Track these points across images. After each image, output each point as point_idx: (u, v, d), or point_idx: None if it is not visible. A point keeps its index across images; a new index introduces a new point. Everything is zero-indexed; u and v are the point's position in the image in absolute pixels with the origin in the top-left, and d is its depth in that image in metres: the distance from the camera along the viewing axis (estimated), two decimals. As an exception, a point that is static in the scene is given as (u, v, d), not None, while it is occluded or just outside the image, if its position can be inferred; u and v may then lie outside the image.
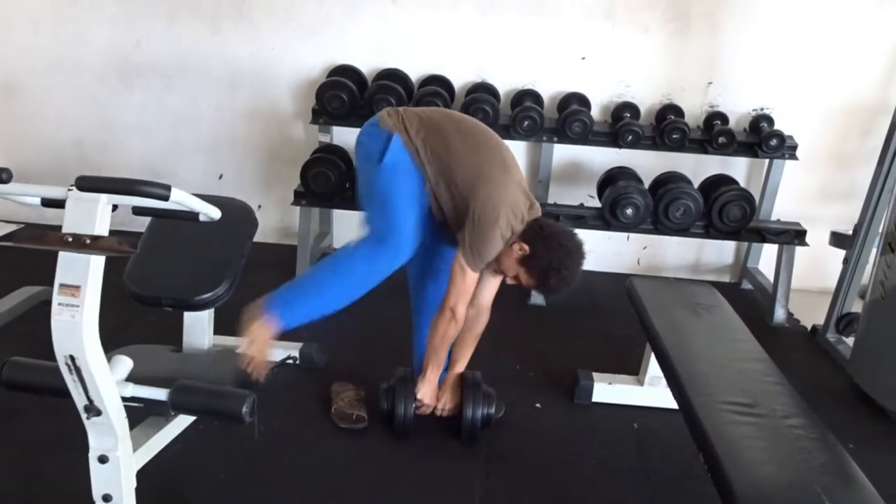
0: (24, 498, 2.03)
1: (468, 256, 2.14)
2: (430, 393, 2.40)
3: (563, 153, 3.83)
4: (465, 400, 2.36)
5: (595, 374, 2.75)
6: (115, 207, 1.55)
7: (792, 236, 3.52)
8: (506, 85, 3.80)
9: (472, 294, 2.25)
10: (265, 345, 2.13)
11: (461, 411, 2.36)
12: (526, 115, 3.53)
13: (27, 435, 2.30)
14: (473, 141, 2.24)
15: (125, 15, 3.78)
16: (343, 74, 3.68)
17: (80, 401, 1.60)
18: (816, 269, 3.86)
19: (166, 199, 1.46)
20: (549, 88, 3.81)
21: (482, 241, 2.13)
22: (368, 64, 3.78)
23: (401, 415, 2.34)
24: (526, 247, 2.14)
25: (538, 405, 2.71)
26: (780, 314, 3.56)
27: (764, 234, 3.53)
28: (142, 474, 1.76)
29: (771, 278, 3.68)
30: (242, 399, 1.75)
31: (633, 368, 2.78)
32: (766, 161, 3.76)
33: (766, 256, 3.90)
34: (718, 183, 3.59)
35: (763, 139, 3.58)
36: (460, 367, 2.46)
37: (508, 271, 2.22)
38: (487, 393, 2.41)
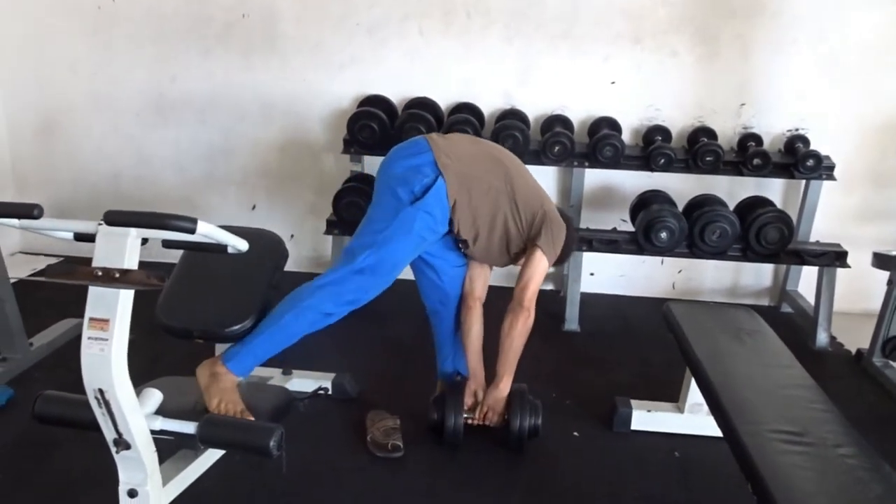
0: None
1: (551, 253, 2.32)
2: (502, 402, 2.44)
3: (594, 178, 3.81)
4: (511, 410, 2.40)
5: (633, 402, 2.69)
6: (145, 241, 1.57)
7: (832, 258, 3.43)
8: (535, 111, 3.81)
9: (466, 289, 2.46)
10: (233, 394, 2.04)
11: (507, 421, 2.41)
12: (556, 141, 3.52)
13: (62, 468, 2.31)
14: (512, 166, 2.38)
15: (161, 52, 3.88)
16: (373, 104, 3.72)
17: (109, 434, 1.61)
18: (858, 291, 3.76)
19: (193, 231, 1.48)
20: (579, 113, 3.80)
21: (559, 237, 2.34)
22: (398, 93, 3.81)
23: (451, 426, 2.38)
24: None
25: (576, 433, 2.66)
26: (822, 338, 3.46)
27: (803, 257, 3.45)
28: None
29: (812, 301, 3.59)
30: (270, 433, 1.74)
31: (671, 395, 2.71)
32: (803, 182, 3.69)
33: (806, 279, 3.81)
34: (755, 205, 3.53)
35: (799, 160, 3.52)
36: (481, 377, 2.56)
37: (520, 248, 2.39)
38: (534, 404, 2.45)
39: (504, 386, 2.42)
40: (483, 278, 2.52)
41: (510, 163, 2.38)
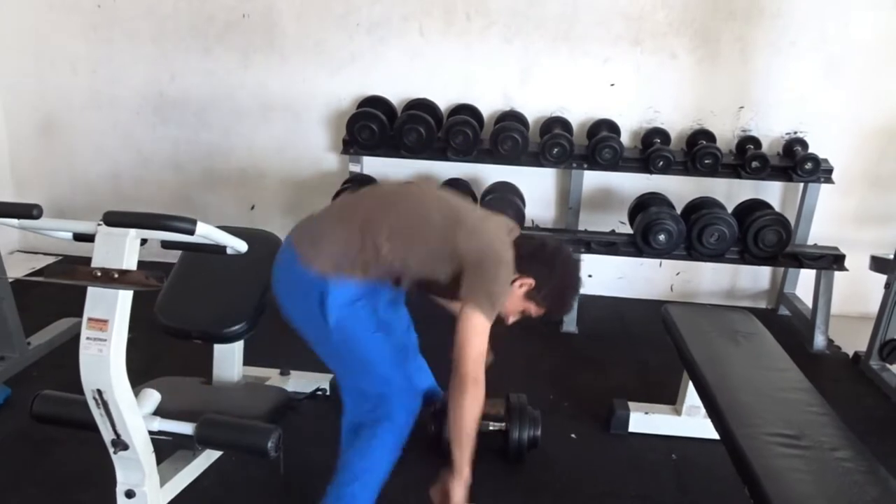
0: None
1: (483, 307, 1.76)
2: (465, 495, 1.83)
3: (593, 180, 3.81)
4: (511, 422, 2.37)
5: (631, 404, 2.70)
6: (144, 242, 1.57)
7: (830, 261, 3.44)
8: (534, 112, 3.81)
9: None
10: None
11: (507, 433, 2.37)
12: (555, 143, 3.52)
13: (61, 467, 2.32)
14: (409, 204, 1.94)
15: (161, 51, 3.88)
16: (373, 105, 3.72)
17: (107, 435, 1.61)
18: (856, 294, 3.76)
19: (192, 233, 1.48)
20: (579, 115, 3.81)
21: (492, 282, 1.79)
22: (398, 94, 3.81)
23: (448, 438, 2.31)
24: (530, 280, 1.88)
25: (573, 435, 2.66)
26: (819, 341, 3.47)
27: (801, 260, 3.46)
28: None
29: (809, 304, 3.60)
30: (268, 434, 1.74)
31: (669, 398, 2.72)
32: (801, 185, 3.69)
33: (804, 282, 3.82)
34: (753, 208, 3.53)
35: (798, 163, 3.52)
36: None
37: (513, 312, 1.95)
38: (532, 415, 2.42)
39: (465, 477, 1.81)
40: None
41: (392, 215, 1.90)
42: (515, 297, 1.91)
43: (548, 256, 1.92)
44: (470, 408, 1.76)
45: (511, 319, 1.98)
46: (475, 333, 1.76)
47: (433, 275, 1.87)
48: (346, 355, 1.93)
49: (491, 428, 2.38)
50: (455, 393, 1.77)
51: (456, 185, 3.64)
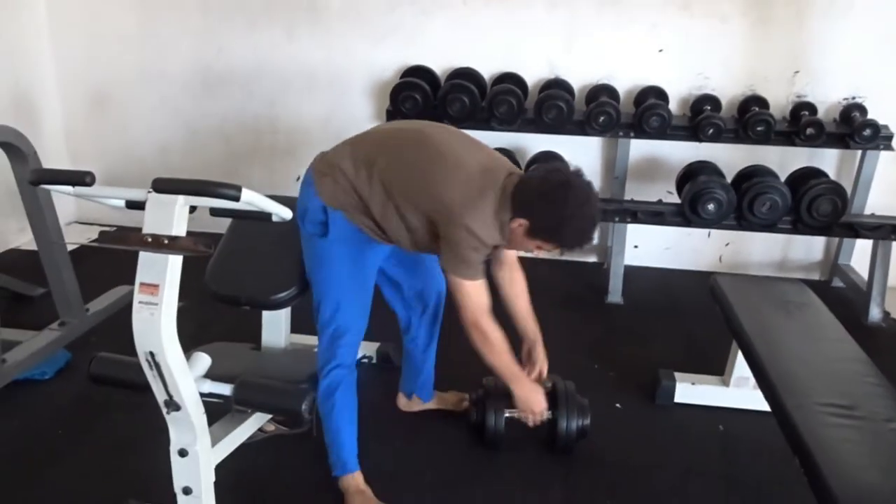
0: (112, 489, 2.11)
1: (461, 271, 1.89)
2: (538, 396, 2.17)
3: (640, 148, 3.74)
4: (559, 411, 2.25)
5: (677, 375, 2.67)
6: (193, 209, 1.60)
7: (888, 231, 3.32)
8: (580, 80, 3.74)
9: (486, 302, 1.98)
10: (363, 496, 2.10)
11: (554, 421, 2.26)
12: (601, 111, 3.46)
13: (119, 427, 2.42)
14: (396, 153, 1.97)
15: (207, 25, 3.92)
16: (416, 75, 3.70)
17: (160, 396, 1.65)
18: (915, 265, 3.64)
19: (237, 199, 1.50)
20: (625, 83, 3.73)
21: (456, 246, 1.87)
22: (441, 64, 3.79)
23: (492, 425, 2.29)
24: (524, 221, 1.85)
25: (618, 405, 2.65)
26: (875, 313, 3.36)
27: (857, 230, 3.35)
28: (220, 468, 1.81)
29: (865, 276, 3.49)
30: (302, 396, 1.77)
31: (716, 369, 2.68)
32: (859, 152, 3.56)
33: (859, 253, 3.69)
34: (807, 176, 3.42)
35: (855, 129, 3.39)
36: (532, 335, 2.24)
37: (523, 249, 1.99)
38: (581, 404, 2.30)
39: (524, 382, 2.15)
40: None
41: (400, 164, 1.95)
42: (517, 237, 1.91)
43: (546, 190, 1.84)
44: (484, 347, 2.01)
45: (533, 253, 2.01)
46: (464, 295, 1.94)
47: (409, 224, 1.93)
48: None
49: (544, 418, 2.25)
50: (471, 341, 2.01)
51: (500, 155, 3.61)
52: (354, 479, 2.11)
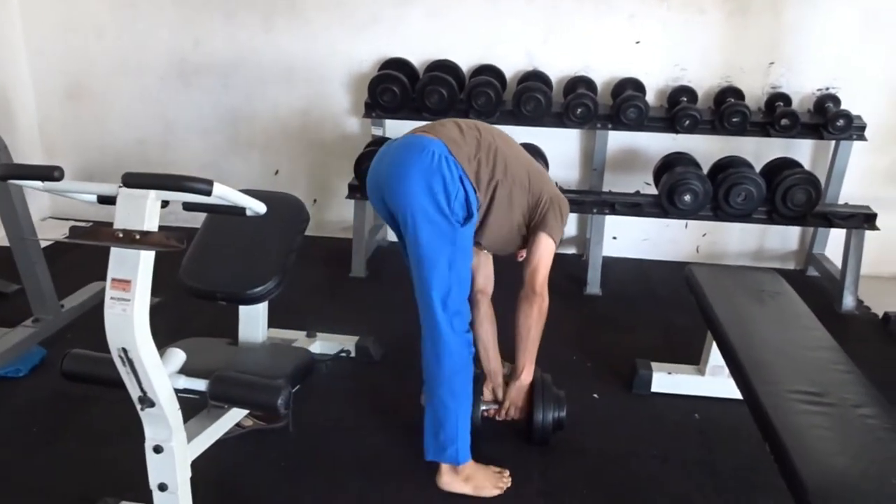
0: (88, 484, 2.10)
1: (557, 234, 2.16)
2: (523, 394, 2.30)
3: (617, 140, 3.76)
4: (535, 403, 2.26)
5: (654, 364, 2.69)
6: (165, 204, 1.58)
7: (861, 220, 3.37)
8: (558, 72, 3.75)
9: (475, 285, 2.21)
10: (483, 475, 2.13)
11: (530, 414, 2.28)
12: (579, 103, 3.48)
13: (95, 423, 2.40)
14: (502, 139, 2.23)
15: (183, 16, 3.88)
16: (394, 67, 3.69)
17: (134, 392, 1.64)
18: (887, 254, 3.70)
19: (209, 193, 1.48)
20: (603, 74, 3.75)
21: (565, 215, 2.19)
22: (419, 56, 3.78)
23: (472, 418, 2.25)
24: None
25: (595, 395, 2.67)
26: (849, 301, 3.42)
27: (831, 219, 3.39)
28: (197, 464, 1.80)
29: (838, 264, 3.54)
30: (278, 391, 1.76)
31: (692, 358, 2.71)
32: (833, 143, 3.61)
33: (833, 242, 3.74)
34: (782, 166, 3.46)
35: (829, 120, 3.43)
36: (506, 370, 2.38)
37: (518, 245, 2.26)
38: (558, 396, 2.31)
39: (526, 377, 2.27)
40: (485, 270, 2.32)
41: (504, 144, 2.17)
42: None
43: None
44: (536, 318, 2.17)
45: (520, 255, 2.27)
46: (549, 253, 2.15)
47: (517, 213, 2.15)
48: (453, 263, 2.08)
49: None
50: (525, 303, 2.17)
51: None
52: (465, 469, 2.12)
